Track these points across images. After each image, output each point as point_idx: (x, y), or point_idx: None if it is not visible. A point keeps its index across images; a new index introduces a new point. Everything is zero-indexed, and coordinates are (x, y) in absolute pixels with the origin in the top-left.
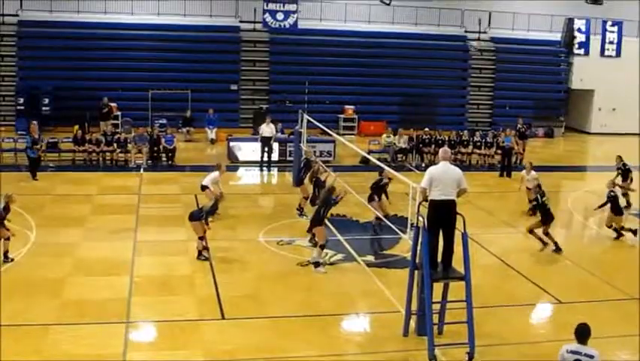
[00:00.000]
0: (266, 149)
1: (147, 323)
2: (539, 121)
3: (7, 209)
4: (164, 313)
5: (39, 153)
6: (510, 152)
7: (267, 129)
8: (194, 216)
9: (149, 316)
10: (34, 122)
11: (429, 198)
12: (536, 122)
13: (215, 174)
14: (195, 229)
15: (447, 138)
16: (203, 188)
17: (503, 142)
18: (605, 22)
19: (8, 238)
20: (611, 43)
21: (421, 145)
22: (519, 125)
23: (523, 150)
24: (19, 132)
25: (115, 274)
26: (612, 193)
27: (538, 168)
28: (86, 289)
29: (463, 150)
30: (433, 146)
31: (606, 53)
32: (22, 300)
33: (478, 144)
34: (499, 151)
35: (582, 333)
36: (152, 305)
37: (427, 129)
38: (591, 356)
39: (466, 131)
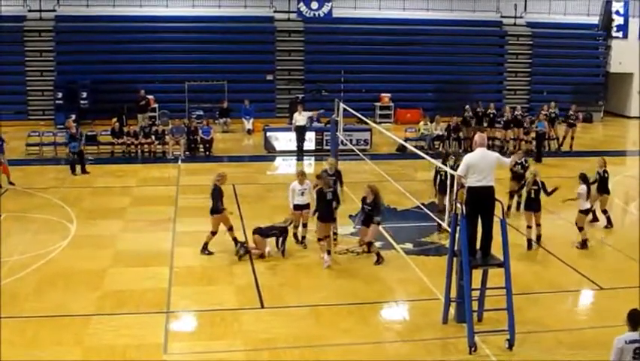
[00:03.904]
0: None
1: (187, 313)
2: (577, 106)
3: (218, 191)
4: (204, 302)
5: (80, 148)
6: (543, 137)
7: (299, 118)
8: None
9: (189, 306)
10: (70, 117)
11: (467, 185)
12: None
13: (293, 184)
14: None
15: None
16: (298, 208)
17: (536, 127)
18: None
19: (231, 228)
20: None
21: (457, 132)
22: (550, 110)
23: (568, 138)
24: (58, 126)
25: (155, 265)
26: None
27: (577, 153)
28: (126, 280)
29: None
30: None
31: None
32: (63, 291)
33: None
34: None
35: (636, 319)
36: (191, 295)
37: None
38: None
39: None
